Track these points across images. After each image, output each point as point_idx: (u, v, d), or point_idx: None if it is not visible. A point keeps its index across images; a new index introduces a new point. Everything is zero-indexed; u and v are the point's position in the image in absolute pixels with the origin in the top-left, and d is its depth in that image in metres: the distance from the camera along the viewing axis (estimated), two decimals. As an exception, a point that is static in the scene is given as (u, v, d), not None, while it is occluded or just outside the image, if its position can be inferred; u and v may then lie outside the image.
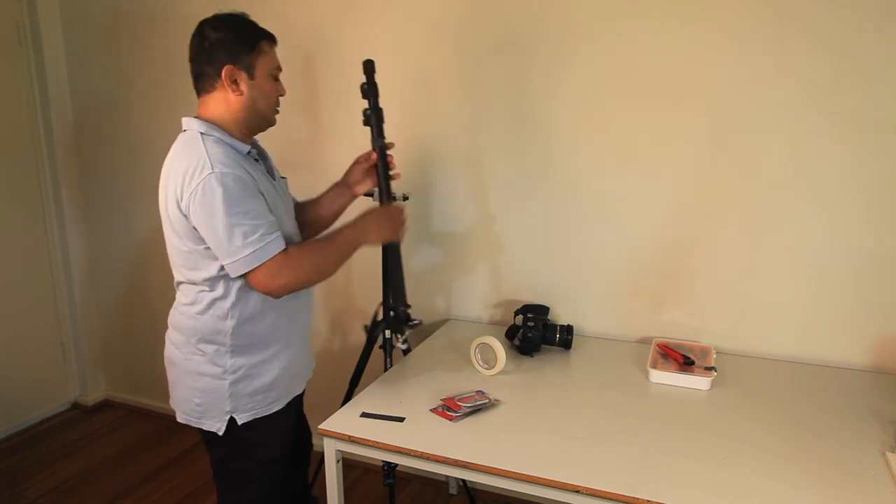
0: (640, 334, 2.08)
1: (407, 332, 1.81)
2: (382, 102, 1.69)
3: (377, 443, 1.43)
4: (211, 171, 1.30)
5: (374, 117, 1.65)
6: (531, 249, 2.16)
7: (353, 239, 1.50)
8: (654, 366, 1.78)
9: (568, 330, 1.97)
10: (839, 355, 1.86)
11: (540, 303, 2.15)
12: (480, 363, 1.80)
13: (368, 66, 1.66)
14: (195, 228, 1.35)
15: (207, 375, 1.46)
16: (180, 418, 1.54)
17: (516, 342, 1.98)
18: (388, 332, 2.04)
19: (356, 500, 2.37)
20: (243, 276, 1.38)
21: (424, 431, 1.47)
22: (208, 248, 1.37)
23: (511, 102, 2.08)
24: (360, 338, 2.34)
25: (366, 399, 1.63)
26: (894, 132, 1.71)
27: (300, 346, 1.59)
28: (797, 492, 1.24)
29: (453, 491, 2.42)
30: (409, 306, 1.74)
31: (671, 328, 2.03)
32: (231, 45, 1.39)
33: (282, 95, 1.50)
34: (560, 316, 2.16)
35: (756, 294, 1.92)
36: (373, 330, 1.89)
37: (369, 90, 1.64)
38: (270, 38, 1.47)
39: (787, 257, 1.87)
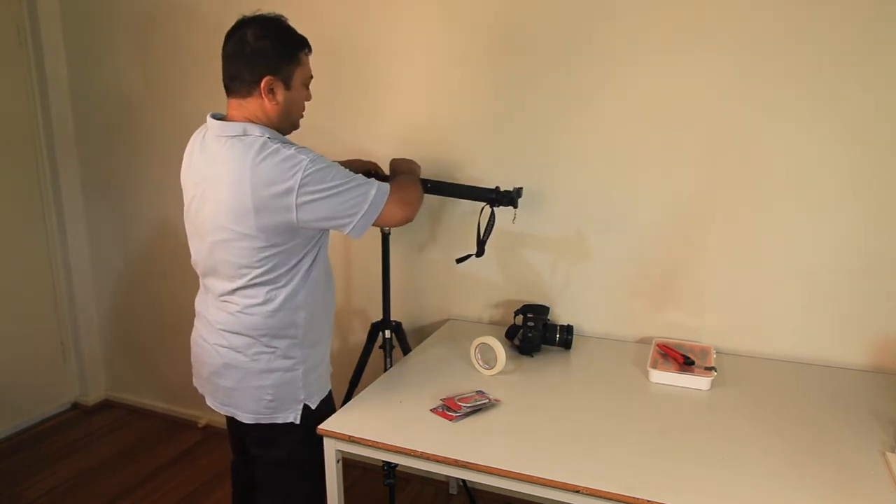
0: (640, 334, 2.08)
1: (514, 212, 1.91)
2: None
3: (377, 443, 1.43)
4: (305, 158, 1.36)
5: (486, 231, 1.88)
6: (531, 249, 2.16)
7: (413, 173, 1.79)
8: (654, 366, 1.78)
9: (568, 330, 1.97)
10: (839, 355, 1.87)
11: (540, 303, 2.15)
12: (480, 363, 1.80)
13: (517, 194, 1.85)
14: (292, 225, 1.39)
15: (279, 370, 1.50)
16: (246, 419, 1.55)
17: (516, 342, 1.98)
18: (388, 327, 2.04)
19: (356, 500, 2.37)
20: (369, 225, 1.47)
21: (424, 431, 1.47)
22: (297, 243, 1.43)
23: (513, 103, 2.08)
24: (360, 338, 2.34)
25: (366, 399, 1.63)
26: (893, 133, 1.71)
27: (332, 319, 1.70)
28: (797, 492, 1.24)
29: (453, 491, 2.42)
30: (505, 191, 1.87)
31: (671, 328, 2.03)
32: (272, 56, 1.41)
33: (307, 101, 1.54)
34: (560, 316, 2.16)
35: (756, 294, 1.92)
36: None
37: (490, 223, 1.88)
38: (308, 47, 1.49)
39: (788, 257, 1.87)
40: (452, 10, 2.08)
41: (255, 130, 1.41)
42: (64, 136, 2.87)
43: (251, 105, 1.43)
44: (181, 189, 1.55)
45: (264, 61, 1.40)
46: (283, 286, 1.46)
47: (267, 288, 1.46)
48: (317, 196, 1.37)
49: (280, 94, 1.44)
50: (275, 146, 1.37)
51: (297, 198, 1.35)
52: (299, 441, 1.57)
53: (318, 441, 1.53)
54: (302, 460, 1.59)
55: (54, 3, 2.76)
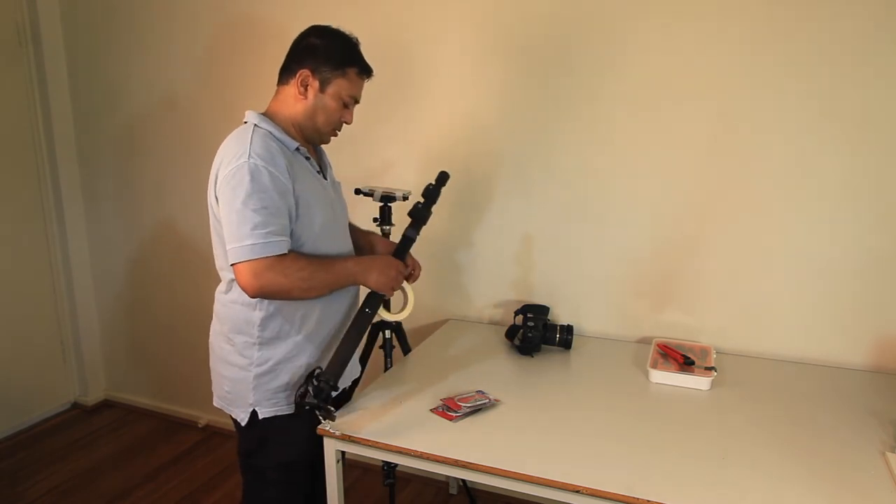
0: (640, 334, 2.08)
1: (327, 419, 1.46)
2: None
3: (377, 443, 1.43)
4: (247, 159, 1.32)
5: (421, 216, 1.64)
6: (532, 249, 2.16)
7: (351, 273, 1.48)
8: (654, 366, 1.78)
9: (568, 330, 1.97)
10: (839, 355, 1.86)
11: (540, 303, 2.15)
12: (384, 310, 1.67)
13: (443, 178, 1.67)
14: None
15: (235, 366, 1.48)
16: (215, 402, 1.56)
17: (516, 342, 1.98)
18: (388, 327, 2.04)
19: (356, 500, 2.37)
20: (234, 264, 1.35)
21: (424, 431, 1.47)
22: None
23: (512, 103, 2.08)
24: (360, 338, 2.34)
25: (366, 399, 1.63)
26: (895, 132, 1.71)
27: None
28: (797, 492, 1.24)
29: (453, 491, 2.42)
30: (336, 388, 1.45)
31: (671, 328, 2.03)
32: (319, 55, 1.43)
33: (346, 123, 1.52)
34: (560, 316, 2.16)
35: (756, 294, 1.92)
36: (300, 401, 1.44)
37: (432, 195, 1.65)
38: (363, 70, 1.48)
39: (788, 257, 1.87)
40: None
41: (252, 117, 1.42)
42: (64, 137, 2.87)
43: (282, 94, 1.46)
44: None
45: (311, 57, 1.43)
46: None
47: (228, 276, 1.45)
48: (224, 194, 1.34)
49: (312, 93, 1.44)
50: (248, 133, 1.36)
51: (219, 186, 1.35)
52: (246, 448, 1.54)
53: (265, 452, 1.50)
54: (253, 469, 1.54)
55: (54, 3, 2.76)
